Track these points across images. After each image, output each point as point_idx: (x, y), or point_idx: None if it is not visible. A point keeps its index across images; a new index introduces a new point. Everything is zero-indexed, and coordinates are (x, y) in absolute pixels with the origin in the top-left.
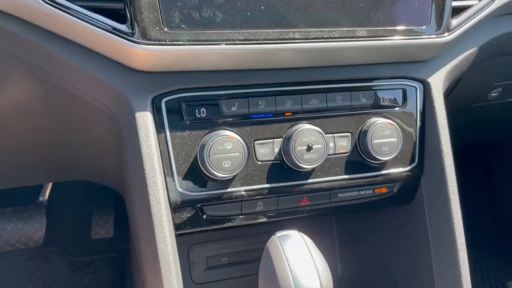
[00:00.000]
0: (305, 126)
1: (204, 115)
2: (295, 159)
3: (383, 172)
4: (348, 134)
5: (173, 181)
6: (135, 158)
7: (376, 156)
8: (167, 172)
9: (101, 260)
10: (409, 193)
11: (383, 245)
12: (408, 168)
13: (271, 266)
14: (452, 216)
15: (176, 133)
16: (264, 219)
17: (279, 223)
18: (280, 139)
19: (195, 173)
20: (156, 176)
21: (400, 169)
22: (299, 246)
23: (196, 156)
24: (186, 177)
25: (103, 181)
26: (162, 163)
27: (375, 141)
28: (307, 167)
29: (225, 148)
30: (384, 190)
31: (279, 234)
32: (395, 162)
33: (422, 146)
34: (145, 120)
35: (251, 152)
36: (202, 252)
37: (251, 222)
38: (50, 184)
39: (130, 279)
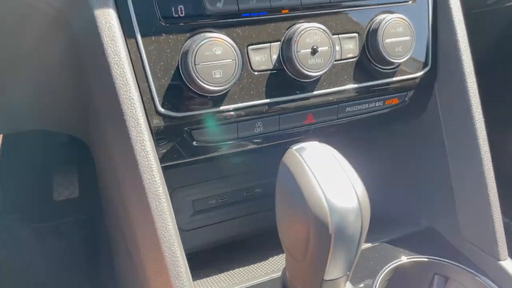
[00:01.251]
0: (307, 25)
1: (182, 14)
2: (298, 66)
3: (395, 79)
4: (355, 34)
5: (152, 99)
6: (100, 72)
7: (388, 59)
8: (143, 89)
9: (68, 223)
10: (422, 102)
11: (395, 163)
12: (422, 73)
13: (293, 186)
14: (474, 121)
15: (150, 38)
16: (263, 143)
17: (270, 155)
18: (278, 42)
19: (179, 88)
20: (131, 91)
21: (413, 75)
22: (324, 157)
23: (178, 66)
24: (168, 94)
25: (61, 125)
26: (136, 78)
27: (386, 40)
28: (313, 74)
29: (214, 54)
30: (395, 100)
31: (296, 146)
32: (407, 66)
33: (435, 47)
34: (108, 20)
35: (245, 60)
36: (187, 196)
37: (249, 147)
38: None
39: (104, 241)
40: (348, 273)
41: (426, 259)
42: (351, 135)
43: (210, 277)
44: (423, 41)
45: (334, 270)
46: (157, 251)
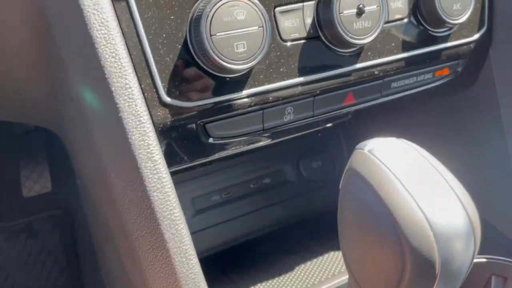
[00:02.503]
0: None
1: None
2: (340, 31)
3: (448, 44)
4: None
5: (154, 86)
6: (80, 50)
7: (445, 19)
8: (141, 72)
9: (42, 220)
10: (475, 71)
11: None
12: (477, 36)
13: (375, 203)
14: None
15: (147, 0)
16: (292, 134)
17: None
18: (313, 1)
19: (189, 68)
20: (127, 76)
21: (468, 38)
22: (412, 160)
23: (186, 39)
24: (175, 77)
25: (24, 115)
26: (131, 57)
27: None
28: (359, 42)
29: (236, 19)
30: (446, 71)
31: (367, 146)
32: (461, 28)
33: (491, 3)
34: None
35: (272, 27)
36: (186, 193)
37: (275, 141)
38: None
39: (85, 238)
40: None
41: (483, 260)
42: (391, 117)
43: None
44: None
45: None
46: None
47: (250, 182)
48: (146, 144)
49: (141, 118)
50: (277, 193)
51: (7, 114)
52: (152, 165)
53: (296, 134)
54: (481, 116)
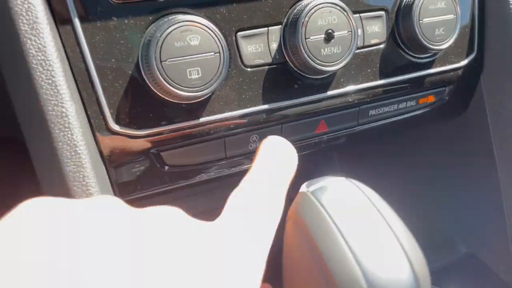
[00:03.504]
0: (318, 0)
1: None
2: (307, 58)
3: (432, 71)
4: (382, 13)
5: (101, 113)
6: (17, 77)
7: (426, 45)
8: (87, 98)
9: None
10: (464, 99)
11: (426, 175)
12: (466, 62)
13: (312, 253)
14: None
15: (94, 23)
16: None
17: None
18: (279, 26)
19: (140, 95)
20: (64, 105)
21: (454, 65)
22: (356, 204)
23: (137, 64)
24: (124, 104)
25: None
26: (76, 83)
27: (424, 20)
28: (328, 69)
29: (189, 45)
30: (431, 98)
31: (313, 186)
32: (446, 53)
33: (482, 27)
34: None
35: (233, 52)
36: None
37: (240, 168)
38: None
39: None
40: None
41: None
42: (374, 144)
43: None
44: (467, 20)
45: None
46: None
47: None
48: (81, 175)
49: (77, 149)
50: None
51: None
52: (86, 197)
53: None
54: (472, 145)
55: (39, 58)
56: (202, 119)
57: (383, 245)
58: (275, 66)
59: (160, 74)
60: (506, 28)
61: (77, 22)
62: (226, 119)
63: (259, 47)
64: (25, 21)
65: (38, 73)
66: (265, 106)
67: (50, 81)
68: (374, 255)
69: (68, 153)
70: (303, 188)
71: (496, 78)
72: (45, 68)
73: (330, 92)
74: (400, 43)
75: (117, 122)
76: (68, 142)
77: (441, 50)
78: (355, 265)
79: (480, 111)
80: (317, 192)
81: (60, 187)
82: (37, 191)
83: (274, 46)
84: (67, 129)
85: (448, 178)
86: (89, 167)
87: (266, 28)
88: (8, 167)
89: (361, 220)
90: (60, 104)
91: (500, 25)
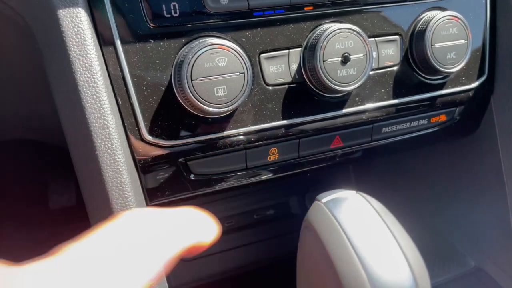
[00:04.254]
0: (336, 26)
1: (176, 14)
2: (324, 78)
3: (443, 91)
4: (396, 37)
5: (137, 125)
6: (65, 91)
7: (438, 68)
8: (125, 111)
9: (66, 232)
10: (475, 119)
11: (435, 191)
12: (476, 84)
13: (323, 257)
14: None
15: (134, 45)
16: (277, 174)
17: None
18: (299, 48)
19: (171, 110)
20: (106, 116)
21: (466, 86)
22: (365, 215)
23: (170, 82)
24: (157, 117)
25: (46, 135)
26: (116, 97)
27: (436, 45)
28: (344, 89)
29: (217, 66)
30: (442, 118)
31: (326, 198)
32: (458, 75)
33: (493, 52)
34: (75, 23)
35: (256, 72)
36: None
37: (259, 179)
38: None
39: None
40: None
41: None
42: (387, 159)
43: None
44: (478, 44)
45: None
46: None
47: (253, 213)
48: (118, 181)
49: (116, 157)
50: (280, 225)
51: (32, 132)
52: (122, 201)
53: (282, 174)
54: (482, 163)
55: (86, 76)
56: (226, 132)
57: (387, 253)
58: (294, 85)
59: (191, 91)
60: None
61: (118, 43)
62: (248, 132)
63: (280, 67)
64: (74, 42)
65: (85, 89)
66: (284, 122)
67: (94, 97)
68: (378, 261)
69: (108, 161)
70: (317, 199)
71: (506, 100)
72: (91, 85)
73: (345, 110)
74: (413, 65)
75: (150, 133)
76: (109, 151)
77: (452, 73)
78: (361, 270)
79: (490, 131)
80: (330, 203)
81: (99, 191)
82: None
83: (294, 67)
84: (108, 140)
85: (458, 194)
86: (126, 174)
87: (287, 51)
88: (38, 166)
89: (369, 230)
90: (102, 117)
91: (511, 49)
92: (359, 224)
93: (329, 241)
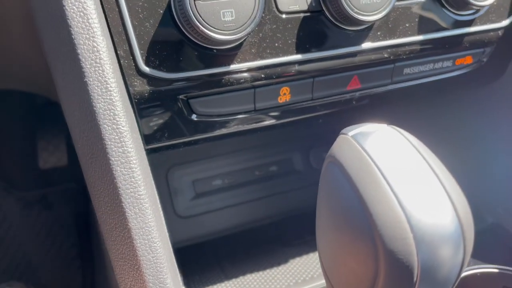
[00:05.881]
0: None
1: None
2: (345, 6)
3: (472, 29)
4: None
5: (131, 54)
6: (48, 8)
7: (469, 0)
8: (118, 39)
9: (57, 192)
10: (502, 63)
11: (454, 144)
12: (507, 22)
13: (353, 198)
14: None
15: None
16: (288, 118)
17: (284, 128)
18: None
19: (171, 37)
20: (96, 37)
21: (495, 24)
22: (399, 149)
23: (169, 4)
24: (155, 46)
25: (32, 85)
26: (107, 20)
27: None
28: (366, 19)
29: None
30: (468, 59)
31: (353, 131)
32: (487, 12)
33: None
34: None
35: None
36: (187, 175)
37: (268, 123)
38: None
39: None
40: None
41: (495, 270)
42: (405, 108)
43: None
44: None
45: None
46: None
47: (255, 169)
48: (112, 114)
49: (108, 86)
50: (283, 182)
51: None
52: (116, 136)
53: (293, 118)
54: (505, 114)
55: None
56: (232, 66)
57: (427, 190)
58: (310, 13)
59: (193, 13)
60: None
61: None
62: (257, 67)
63: None
64: None
65: (70, 5)
66: (298, 57)
67: (82, 14)
68: (418, 199)
69: (99, 90)
70: (343, 132)
71: None
72: (77, 0)
73: (365, 46)
74: None
75: (147, 63)
76: (99, 78)
77: (483, 6)
78: (398, 208)
79: None
80: (358, 136)
81: (90, 125)
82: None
83: None
84: (98, 65)
85: (478, 148)
86: (120, 105)
87: None
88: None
89: (406, 165)
90: (91, 38)
91: None
92: (394, 158)
93: (359, 177)
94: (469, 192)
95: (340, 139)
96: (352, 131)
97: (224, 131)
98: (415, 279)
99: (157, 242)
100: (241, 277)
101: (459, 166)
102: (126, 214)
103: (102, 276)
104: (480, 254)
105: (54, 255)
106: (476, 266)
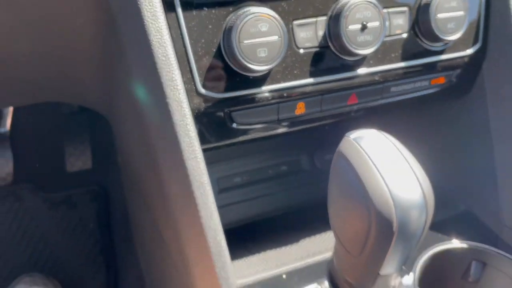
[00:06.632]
0: None
1: None
2: (346, 43)
3: (443, 57)
4: (405, 8)
5: (193, 80)
6: (140, 49)
7: (439, 36)
8: (183, 68)
9: (80, 194)
10: (469, 81)
11: (434, 145)
12: (471, 50)
13: (353, 178)
14: None
15: (191, 12)
16: (303, 125)
17: (293, 135)
18: (325, 17)
19: (221, 67)
20: (174, 72)
21: (462, 53)
22: (385, 146)
23: (220, 44)
24: (209, 74)
25: (78, 98)
26: (176, 57)
27: (439, 15)
28: (361, 52)
29: (260, 31)
30: (441, 80)
31: (354, 135)
32: (456, 43)
33: (487, 22)
34: None
35: (290, 37)
36: (212, 174)
37: (288, 129)
38: (10, 112)
39: (118, 215)
40: (404, 267)
41: (465, 245)
42: (393, 117)
43: (241, 260)
44: (474, 16)
45: (391, 265)
46: (201, 241)
47: (268, 168)
48: (184, 123)
49: (182, 104)
50: (292, 180)
51: (63, 95)
52: (188, 140)
53: (306, 126)
54: (473, 121)
55: (157, 37)
56: (263, 88)
57: (404, 176)
58: (320, 48)
59: (238, 52)
60: (507, 24)
61: (179, 10)
62: (281, 89)
63: (309, 33)
64: (147, 8)
65: (157, 48)
66: (310, 80)
67: (164, 54)
68: (397, 181)
69: (176, 107)
70: (346, 135)
71: (496, 65)
72: (162, 44)
73: (360, 71)
74: (419, 34)
75: (204, 87)
76: (176, 99)
77: (451, 40)
78: (384, 187)
79: (480, 93)
80: (357, 138)
81: (169, 133)
82: None
83: (320, 33)
84: (176, 90)
85: (451, 148)
86: (190, 118)
87: (315, 19)
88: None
89: (389, 159)
90: (171, 71)
91: (502, 21)
92: (382, 154)
93: (359, 166)
94: (445, 184)
95: (344, 140)
96: (353, 135)
97: (254, 135)
98: (394, 230)
99: (215, 214)
100: (262, 253)
101: (437, 162)
102: (194, 194)
103: (129, 273)
104: (452, 235)
105: (79, 252)
106: (447, 242)
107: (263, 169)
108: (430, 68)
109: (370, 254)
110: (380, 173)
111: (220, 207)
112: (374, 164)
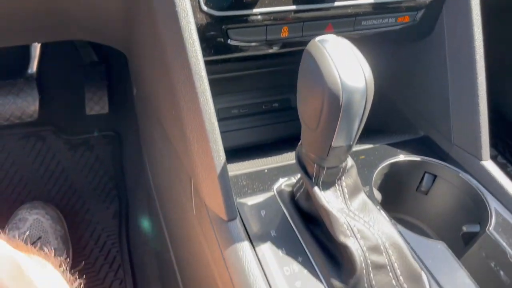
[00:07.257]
0: None
1: None
2: None
3: None
4: None
5: (198, 0)
6: None
7: None
8: None
9: (97, 137)
10: (430, 22)
11: (399, 79)
12: None
13: (314, 68)
14: (474, 45)
15: None
16: (288, 48)
17: (285, 78)
18: None
19: None
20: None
21: None
22: (342, 47)
23: None
24: None
25: (102, 35)
26: None
27: None
28: None
29: None
30: (406, 18)
31: (319, 37)
32: None
33: None
34: None
35: None
36: (214, 105)
37: (275, 50)
38: (37, 57)
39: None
40: (351, 143)
41: (419, 159)
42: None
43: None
44: None
45: (340, 138)
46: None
47: (262, 104)
48: (189, 29)
49: (188, 12)
50: (282, 115)
51: (87, 34)
52: (192, 49)
53: (291, 49)
54: (432, 58)
55: None
56: (255, 10)
57: (353, 68)
58: None
59: None
60: None
61: None
62: (269, 12)
63: None
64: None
65: None
66: (293, 7)
67: None
68: (347, 71)
69: (185, 21)
70: (313, 39)
71: (452, 9)
72: None
73: (336, 4)
74: None
75: (206, 5)
76: (186, 17)
77: None
78: (336, 74)
79: (440, 33)
80: (321, 41)
81: (178, 42)
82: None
83: None
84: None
85: (413, 80)
86: (193, 24)
87: None
88: None
89: (343, 55)
90: None
91: None
92: (338, 52)
93: (319, 60)
94: (407, 113)
95: (311, 41)
96: (318, 38)
97: (247, 54)
98: (340, 108)
99: (216, 128)
100: (251, 161)
101: (401, 93)
102: (203, 117)
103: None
104: (410, 152)
105: (95, 186)
106: (405, 156)
107: (257, 104)
108: (396, 7)
109: (324, 126)
110: (335, 66)
111: (221, 133)
112: (332, 59)
